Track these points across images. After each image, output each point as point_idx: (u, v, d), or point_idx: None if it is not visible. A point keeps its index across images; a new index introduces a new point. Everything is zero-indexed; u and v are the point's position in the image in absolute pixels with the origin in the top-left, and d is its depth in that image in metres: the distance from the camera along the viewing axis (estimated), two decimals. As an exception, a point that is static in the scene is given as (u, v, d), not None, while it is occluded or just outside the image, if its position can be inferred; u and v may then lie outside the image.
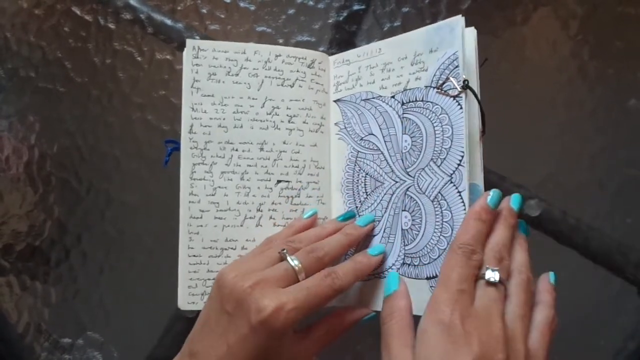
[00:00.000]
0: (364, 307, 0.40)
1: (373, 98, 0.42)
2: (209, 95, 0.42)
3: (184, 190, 0.41)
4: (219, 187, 0.42)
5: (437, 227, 0.37)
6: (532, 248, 0.36)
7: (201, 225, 0.41)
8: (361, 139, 0.42)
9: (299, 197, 0.42)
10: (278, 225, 0.42)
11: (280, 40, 0.52)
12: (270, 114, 0.43)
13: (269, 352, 0.33)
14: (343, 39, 0.51)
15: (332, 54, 0.45)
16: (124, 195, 0.51)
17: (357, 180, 0.42)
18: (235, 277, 0.34)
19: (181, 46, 0.45)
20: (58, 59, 0.53)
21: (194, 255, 0.41)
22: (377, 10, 0.51)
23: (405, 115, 0.40)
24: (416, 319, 0.34)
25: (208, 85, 0.42)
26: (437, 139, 0.37)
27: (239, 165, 0.42)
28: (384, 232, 0.40)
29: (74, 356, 0.50)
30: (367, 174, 0.42)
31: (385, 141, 0.41)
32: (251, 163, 0.42)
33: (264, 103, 0.43)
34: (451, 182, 0.36)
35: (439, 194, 0.37)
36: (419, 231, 0.38)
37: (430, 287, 0.36)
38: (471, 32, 0.38)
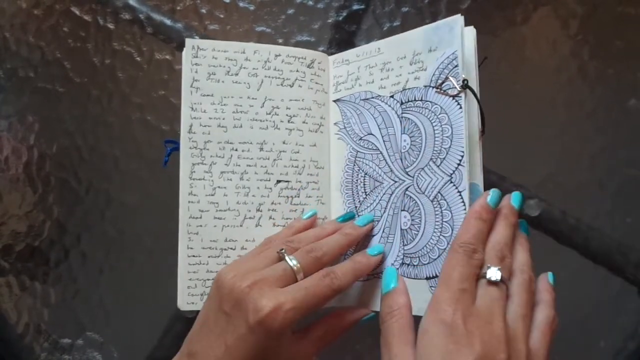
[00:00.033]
0: (363, 307, 0.40)
1: (372, 98, 0.42)
2: (208, 95, 0.42)
3: (184, 190, 0.41)
4: (219, 187, 0.42)
5: (436, 227, 0.37)
6: (532, 248, 0.36)
7: (201, 226, 0.41)
8: (360, 139, 0.42)
9: (298, 197, 0.42)
10: (278, 226, 0.42)
11: (280, 40, 0.51)
12: (269, 113, 0.43)
13: (267, 352, 0.33)
14: (342, 38, 0.51)
15: (332, 53, 0.45)
16: (124, 195, 0.51)
17: (356, 180, 0.42)
18: (234, 277, 0.34)
19: (180, 46, 0.44)
20: (57, 59, 0.53)
21: (194, 256, 0.41)
22: (377, 10, 0.51)
23: (404, 114, 0.40)
24: (416, 320, 0.34)
25: (207, 85, 0.42)
26: (436, 139, 0.37)
27: (239, 165, 0.42)
28: (383, 232, 0.40)
29: (74, 356, 0.50)
30: (366, 173, 0.42)
31: (384, 141, 0.41)
32: (251, 163, 0.42)
33: (263, 103, 0.43)
34: (451, 182, 0.36)
35: (439, 194, 0.37)
36: (418, 231, 0.38)
37: (430, 287, 0.36)
38: (470, 31, 0.38)
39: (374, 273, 0.40)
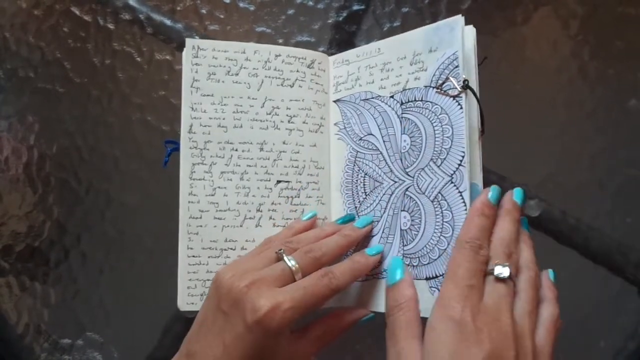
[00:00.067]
0: (362, 307, 0.40)
1: (372, 98, 0.42)
2: (208, 95, 0.42)
3: (184, 190, 0.41)
4: (219, 187, 0.42)
5: (437, 227, 0.37)
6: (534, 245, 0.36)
7: (201, 226, 0.41)
8: (360, 139, 0.42)
9: (298, 197, 0.42)
10: (278, 226, 0.42)
11: (280, 41, 0.51)
12: (270, 114, 0.43)
13: (265, 352, 0.33)
14: (343, 39, 0.51)
15: (332, 54, 0.45)
16: (124, 195, 0.51)
17: (356, 181, 0.42)
18: (232, 276, 0.34)
19: (181, 46, 0.44)
20: (57, 60, 0.53)
21: (194, 256, 0.41)
22: (377, 11, 0.51)
23: (404, 115, 0.40)
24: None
25: (208, 85, 0.42)
26: (436, 139, 0.37)
27: (239, 166, 0.42)
28: (382, 232, 0.40)
29: (74, 357, 0.50)
30: (366, 174, 0.42)
31: (384, 141, 0.41)
32: (251, 163, 0.42)
33: (263, 103, 0.43)
34: (452, 182, 0.36)
35: (439, 194, 0.37)
36: (418, 231, 0.38)
37: (430, 287, 0.36)
38: (470, 31, 0.38)
39: (373, 273, 0.40)
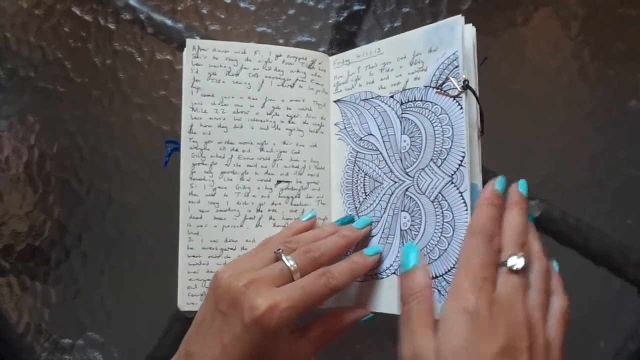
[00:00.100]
0: (361, 308, 0.40)
1: (372, 98, 0.42)
2: (209, 95, 0.42)
3: (184, 190, 0.41)
4: (219, 187, 0.42)
5: (437, 227, 0.37)
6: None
7: (201, 226, 0.41)
8: (360, 139, 0.42)
9: (299, 197, 0.42)
10: (278, 226, 0.42)
11: (281, 41, 0.52)
12: (270, 114, 0.43)
13: (263, 352, 0.33)
14: (343, 39, 0.51)
15: (333, 54, 0.45)
16: (124, 195, 0.51)
17: (356, 181, 0.42)
18: (230, 276, 0.34)
19: (181, 46, 0.44)
20: (58, 59, 0.53)
21: (194, 256, 0.41)
22: (378, 11, 0.51)
23: (404, 115, 0.40)
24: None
25: (208, 85, 0.42)
26: (437, 139, 0.37)
27: (239, 166, 0.42)
28: (382, 232, 0.40)
29: (74, 357, 0.50)
30: (366, 174, 0.42)
31: (384, 141, 0.41)
32: (251, 163, 0.42)
33: (264, 103, 0.43)
34: (452, 183, 0.36)
35: (440, 195, 0.37)
36: (418, 232, 0.38)
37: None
38: (470, 30, 0.37)
39: (372, 274, 0.40)
